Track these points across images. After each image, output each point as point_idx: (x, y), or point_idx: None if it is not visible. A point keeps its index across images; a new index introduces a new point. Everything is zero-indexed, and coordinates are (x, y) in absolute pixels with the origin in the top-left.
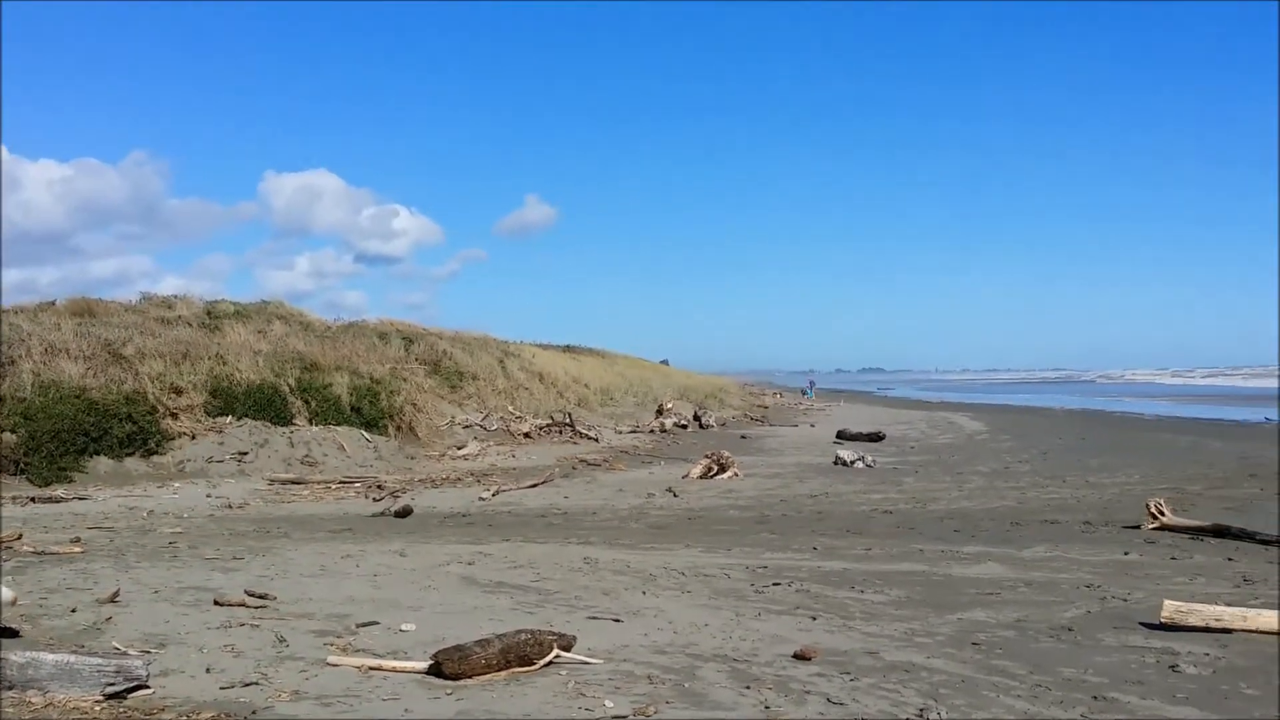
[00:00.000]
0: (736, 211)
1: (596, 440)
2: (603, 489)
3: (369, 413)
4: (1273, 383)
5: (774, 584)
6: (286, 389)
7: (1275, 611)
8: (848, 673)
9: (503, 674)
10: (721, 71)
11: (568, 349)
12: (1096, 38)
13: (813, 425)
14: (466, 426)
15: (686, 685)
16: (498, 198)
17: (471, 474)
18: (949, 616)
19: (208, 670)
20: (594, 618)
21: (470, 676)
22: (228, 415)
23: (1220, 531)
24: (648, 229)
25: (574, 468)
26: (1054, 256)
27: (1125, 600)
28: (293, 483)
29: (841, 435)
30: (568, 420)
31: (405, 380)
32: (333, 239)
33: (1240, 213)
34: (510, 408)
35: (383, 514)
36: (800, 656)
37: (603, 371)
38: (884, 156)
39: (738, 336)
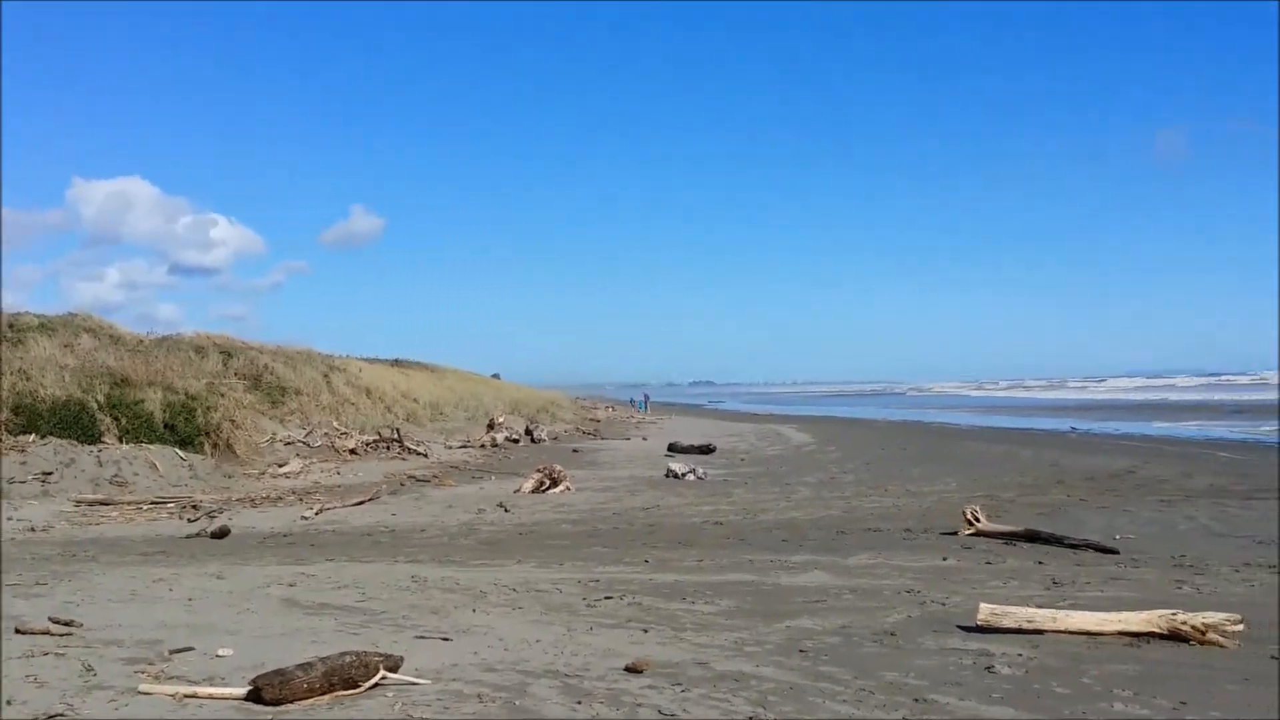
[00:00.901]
0: (566, 224)
1: (426, 456)
2: (432, 505)
3: (184, 430)
4: (1064, 393)
5: (606, 598)
6: (95, 405)
7: (1083, 612)
8: (679, 684)
9: (326, 698)
10: (546, 77)
11: (396, 363)
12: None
13: (645, 438)
14: (289, 443)
15: (517, 703)
16: (322, 207)
17: (294, 492)
18: (777, 625)
19: (9, 702)
20: (422, 637)
21: (292, 701)
22: (30, 434)
23: (1031, 536)
24: (478, 241)
25: (402, 484)
26: (872, 272)
27: (944, 604)
28: (101, 504)
29: (673, 448)
30: (395, 436)
31: (223, 396)
32: (146, 249)
33: (1028, 230)
34: (335, 424)
35: (198, 535)
36: (632, 669)
37: (432, 386)
38: (710, 169)
39: (570, 350)
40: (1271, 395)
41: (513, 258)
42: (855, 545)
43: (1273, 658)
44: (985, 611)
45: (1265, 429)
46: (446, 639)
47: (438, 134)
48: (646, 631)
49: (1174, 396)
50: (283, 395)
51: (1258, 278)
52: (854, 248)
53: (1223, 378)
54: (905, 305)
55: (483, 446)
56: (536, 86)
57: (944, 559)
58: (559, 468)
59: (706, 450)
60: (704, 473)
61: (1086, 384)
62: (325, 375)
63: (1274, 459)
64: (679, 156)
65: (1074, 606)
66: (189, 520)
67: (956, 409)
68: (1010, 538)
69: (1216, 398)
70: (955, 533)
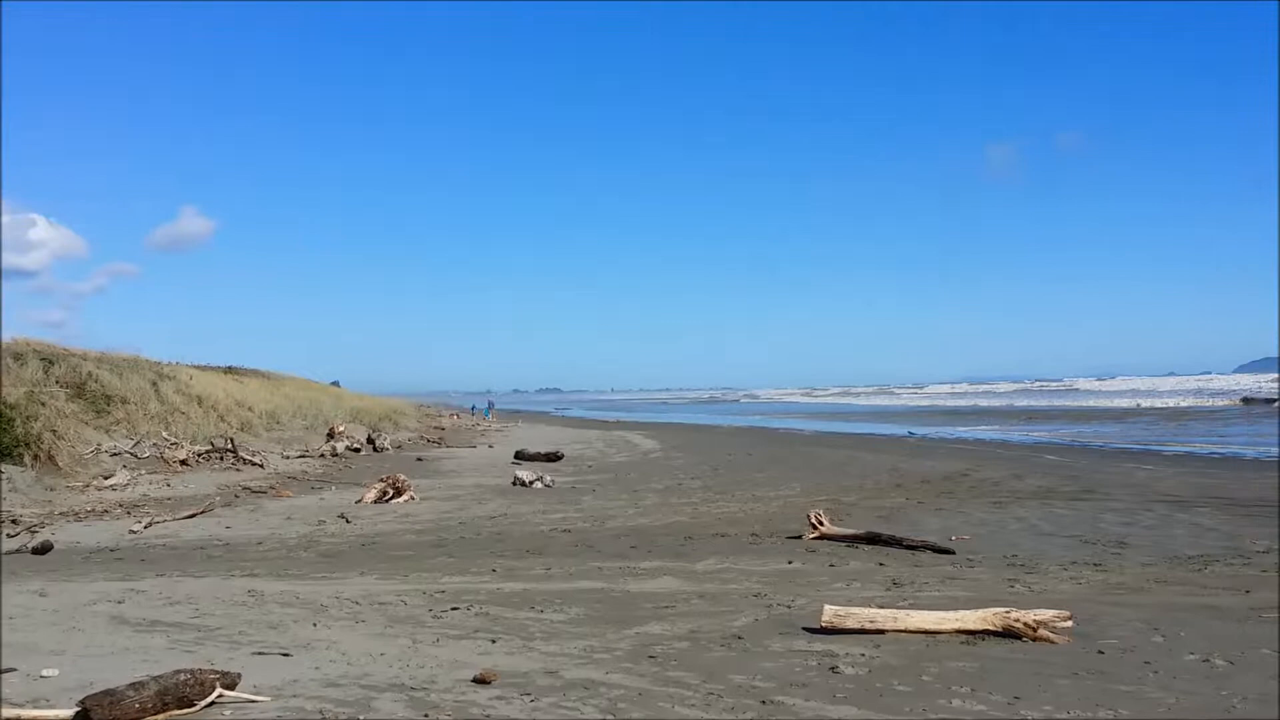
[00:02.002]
0: (409, 230)
1: (262, 466)
2: (269, 517)
3: (2, 442)
4: (886, 400)
5: (452, 608)
6: None
7: (922, 612)
8: (528, 694)
9: (160, 718)
10: (386, 75)
11: (229, 370)
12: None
13: (491, 446)
14: (115, 454)
15: (361, 718)
16: (149, 208)
17: (121, 505)
18: (627, 632)
19: None
20: (260, 653)
21: None
22: None
23: (873, 539)
24: (318, 247)
25: (237, 496)
26: (711, 283)
27: (790, 607)
28: None
29: (520, 455)
30: (229, 446)
31: (44, 405)
32: None
33: (857, 243)
34: (165, 433)
35: (18, 551)
36: (480, 680)
37: (268, 394)
38: (554, 174)
39: (414, 358)
40: (1080, 401)
41: (354, 264)
42: (703, 550)
43: (1100, 653)
44: (829, 613)
45: (1088, 432)
46: (286, 654)
47: (276, 134)
48: (494, 642)
49: (997, 403)
50: (108, 404)
51: (1073, 289)
52: (691, 259)
53: (1035, 384)
54: (743, 315)
55: (322, 456)
56: (376, 85)
57: (789, 562)
58: (402, 477)
59: (554, 457)
60: (552, 480)
61: (901, 390)
62: (154, 383)
63: (1095, 461)
64: (533, 158)
65: (914, 606)
66: (9, 536)
67: (797, 415)
68: (852, 540)
69: (1042, 404)
70: (800, 536)
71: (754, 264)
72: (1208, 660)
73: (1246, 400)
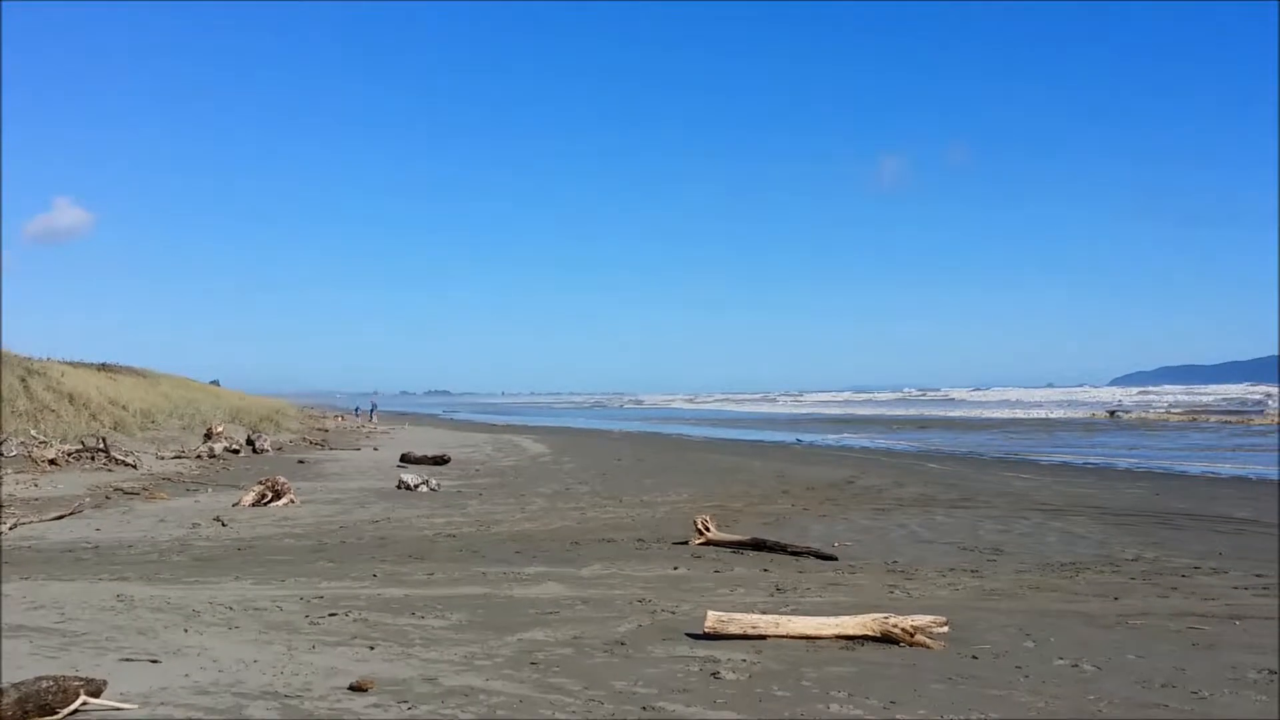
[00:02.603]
0: (295, 226)
1: (135, 467)
2: (142, 520)
3: None
4: (768, 407)
5: (330, 614)
6: None
7: (804, 617)
8: (405, 701)
9: None
10: (273, 64)
11: (104, 368)
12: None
13: (376, 449)
14: None
15: None
16: (19, 199)
17: None
18: (509, 638)
19: None
20: (128, 660)
21: None
22: None
23: (758, 545)
24: (196, 241)
25: (108, 497)
26: (601, 288)
27: (674, 613)
28: None
29: (406, 458)
30: (101, 446)
31: None
32: None
33: (750, 252)
34: (34, 432)
35: None
36: (356, 688)
37: (144, 392)
38: (441, 179)
39: (299, 357)
40: (959, 411)
41: (236, 260)
42: (589, 556)
43: (974, 657)
44: (712, 619)
45: (968, 441)
46: (155, 661)
47: (156, 124)
48: (373, 648)
49: (879, 411)
50: None
51: (953, 300)
52: (583, 261)
53: (914, 393)
54: (628, 319)
55: (199, 458)
56: (255, 69)
57: (675, 568)
58: (282, 479)
59: (441, 461)
60: (437, 484)
61: (782, 398)
62: (22, 380)
63: (975, 470)
64: (424, 156)
65: (796, 612)
66: None
67: (687, 420)
68: (738, 546)
69: (922, 414)
70: (687, 542)
71: (640, 269)
72: (1076, 665)
73: (1112, 413)
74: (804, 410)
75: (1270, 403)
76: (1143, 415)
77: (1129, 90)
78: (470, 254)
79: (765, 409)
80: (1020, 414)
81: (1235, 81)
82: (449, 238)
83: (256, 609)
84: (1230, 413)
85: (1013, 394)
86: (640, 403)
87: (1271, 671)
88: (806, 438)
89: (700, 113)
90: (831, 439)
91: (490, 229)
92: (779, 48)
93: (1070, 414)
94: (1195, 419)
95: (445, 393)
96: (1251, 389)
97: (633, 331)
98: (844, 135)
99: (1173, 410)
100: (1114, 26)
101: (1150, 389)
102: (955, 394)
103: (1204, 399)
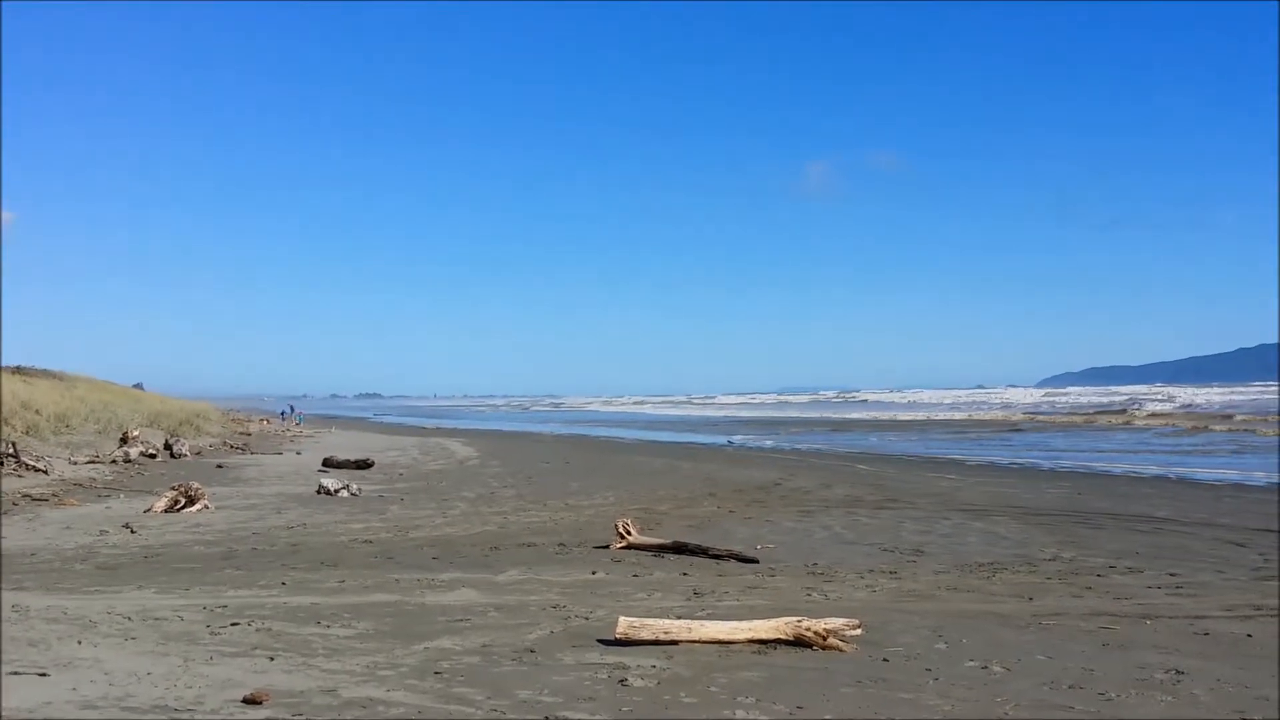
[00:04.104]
0: (222, 226)
1: (46, 472)
2: (47, 527)
3: None
4: (688, 410)
5: (233, 624)
6: None
7: (717, 622)
8: (300, 714)
9: None
10: (197, 61)
11: (18, 370)
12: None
13: (299, 453)
14: None
15: None
16: None
17: None
18: (416, 647)
19: None
20: (16, 673)
21: None
22: None
23: (679, 548)
24: (116, 238)
25: (14, 504)
26: (529, 290)
27: (587, 619)
28: None
29: (328, 463)
30: (11, 451)
31: None
32: None
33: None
34: None
35: None
36: (251, 701)
37: (59, 396)
38: (373, 180)
39: (226, 360)
40: (888, 413)
41: (167, 262)
42: (507, 561)
43: (885, 660)
44: (624, 624)
45: (896, 441)
46: (43, 674)
47: (80, 124)
48: (273, 659)
49: (805, 414)
50: None
51: (880, 303)
52: (510, 267)
53: (837, 395)
54: (555, 322)
55: (114, 463)
56: (181, 70)
57: (594, 573)
58: (196, 485)
59: (364, 465)
60: (359, 489)
61: (702, 400)
62: None
63: (901, 471)
64: (352, 155)
65: (712, 616)
66: None
67: (619, 424)
68: (660, 550)
69: (849, 415)
70: (608, 546)
71: (563, 273)
72: (986, 667)
73: (1031, 415)
74: (724, 413)
75: (1150, 403)
76: (1031, 417)
77: (1055, 94)
78: (403, 257)
79: (685, 411)
80: (948, 415)
81: (1159, 85)
82: (382, 239)
83: (156, 619)
84: (1113, 411)
85: (925, 395)
86: (561, 405)
87: (1179, 672)
88: (737, 440)
89: (620, 116)
90: (764, 441)
91: (420, 232)
92: (705, 51)
93: (995, 415)
94: (1090, 420)
95: (376, 396)
96: (1154, 389)
97: (558, 336)
98: (768, 140)
99: (1072, 412)
100: (1036, 34)
101: (1056, 391)
102: (871, 396)
103: (1097, 400)
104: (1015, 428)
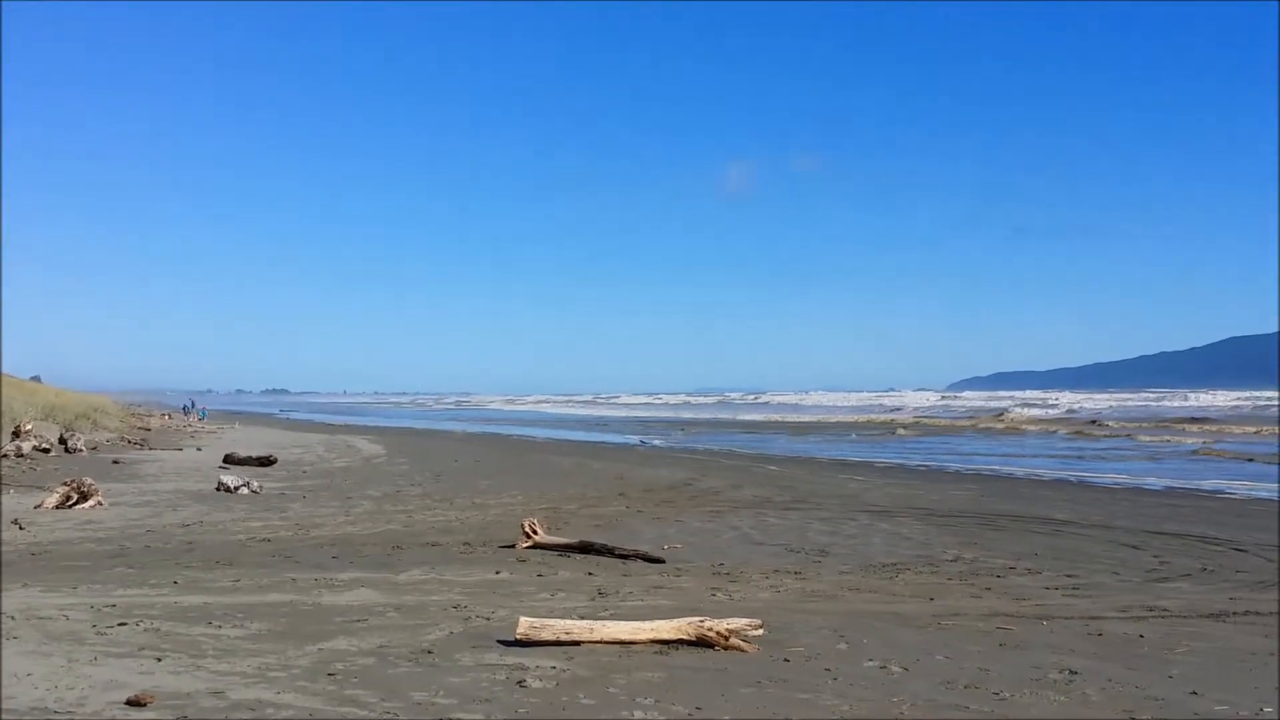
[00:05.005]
0: (123, 216)
1: None
2: None
3: None
4: (595, 409)
5: (120, 624)
6: None
7: (619, 622)
8: (186, 716)
9: None
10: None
11: None
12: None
13: (200, 449)
14: None
15: None
16: None
17: None
18: (309, 648)
19: None
20: None
21: None
22: None
23: (585, 548)
24: (25, 230)
25: None
26: (439, 286)
27: (488, 619)
28: None
29: (229, 459)
30: None
31: None
32: None
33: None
34: None
35: None
36: (134, 703)
37: None
38: (283, 172)
39: (130, 352)
40: (796, 416)
41: (69, 252)
42: (410, 561)
43: (786, 660)
44: (525, 625)
45: (807, 444)
46: None
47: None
48: (160, 660)
49: (718, 414)
50: None
51: (790, 304)
52: (416, 258)
53: (729, 395)
54: (465, 321)
55: (5, 457)
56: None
57: (497, 572)
58: (90, 481)
59: (267, 462)
60: (260, 486)
61: (609, 399)
62: None
63: (811, 472)
64: (258, 150)
65: (615, 616)
66: None
67: (523, 422)
68: (565, 549)
69: (763, 417)
70: (514, 545)
71: (468, 269)
72: (885, 667)
73: (920, 419)
74: (633, 413)
75: (1033, 408)
76: (917, 420)
77: (978, 101)
78: (310, 249)
79: (594, 411)
80: (852, 418)
81: (1073, 92)
82: (290, 231)
83: (40, 618)
84: (994, 415)
85: (830, 398)
86: (467, 402)
87: (1072, 672)
88: (648, 439)
89: (530, 110)
90: (677, 440)
91: (329, 225)
92: (623, 49)
93: (874, 418)
94: (972, 424)
95: (284, 391)
96: (1045, 395)
97: (469, 333)
98: (690, 140)
99: (957, 417)
100: (956, 39)
101: (952, 395)
102: (779, 398)
103: (988, 405)
104: (891, 430)
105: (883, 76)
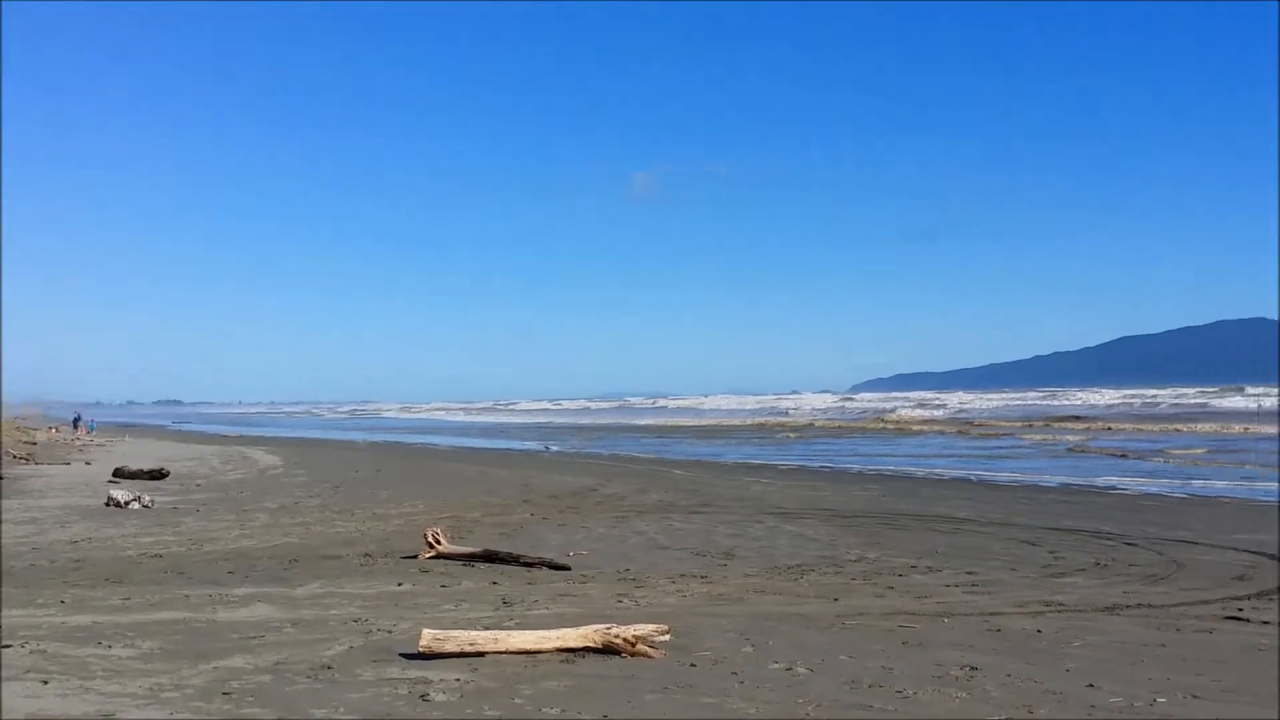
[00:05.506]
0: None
1: None
2: None
3: None
4: (495, 416)
5: (5, 646)
6: None
7: (524, 632)
8: None
9: None
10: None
11: None
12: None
13: (89, 463)
14: None
15: None
16: None
17: None
18: (204, 666)
19: None
20: None
21: None
22: None
23: (490, 557)
24: None
25: None
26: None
27: (390, 632)
28: None
29: (119, 473)
30: None
31: None
32: None
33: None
34: None
35: None
36: None
37: None
38: (178, 172)
39: (12, 362)
40: (701, 419)
41: None
42: (308, 574)
43: (693, 665)
44: (428, 637)
45: (711, 448)
46: None
47: None
48: (46, 683)
49: (623, 419)
50: None
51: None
52: (312, 265)
53: (631, 400)
54: (364, 328)
55: None
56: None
57: (399, 584)
58: None
59: (159, 475)
60: (151, 500)
61: (506, 407)
62: None
63: (716, 475)
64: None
65: (521, 626)
66: None
67: (431, 431)
68: (469, 559)
69: (667, 422)
70: (416, 556)
71: (367, 276)
72: (791, 669)
73: (813, 422)
74: (535, 419)
75: (915, 409)
76: (811, 422)
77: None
78: (201, 256)
79: (495, 418)
80: (754, 420)
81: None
82: (183, 237)
83: None
84: (883, 417)
85: (733, 401)
86: (360, 411)
87: (973, 668)
88: (553, 446)
89: (431, 109)
90: (583, 446)
91: (219, 229)
92: (531, 50)
93: (762, 420)
94: (862, 428)
95: (177, 403)
96: (938, 395)
97: (367, 341)
98: (596, 143)
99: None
100: (852, 41)
101: (850, 396)
102: (680, 402)
103: (878, 406)
104: (781, 432)
105: (790, 82)
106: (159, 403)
